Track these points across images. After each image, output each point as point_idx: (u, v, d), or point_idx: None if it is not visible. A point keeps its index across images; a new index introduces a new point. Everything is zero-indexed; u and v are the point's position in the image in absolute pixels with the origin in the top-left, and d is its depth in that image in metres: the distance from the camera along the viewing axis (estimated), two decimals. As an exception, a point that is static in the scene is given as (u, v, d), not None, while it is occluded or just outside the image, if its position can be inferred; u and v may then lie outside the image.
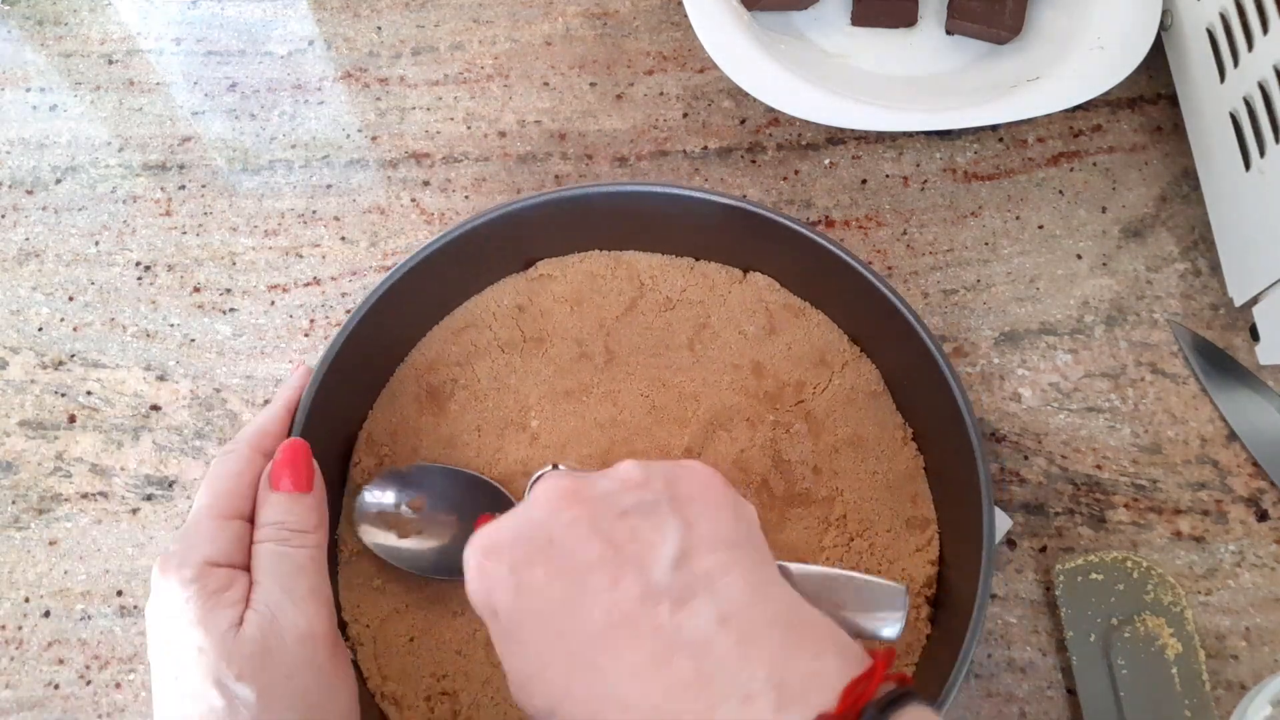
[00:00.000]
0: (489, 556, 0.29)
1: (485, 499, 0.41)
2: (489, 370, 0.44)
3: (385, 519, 0.40)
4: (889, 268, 0.49)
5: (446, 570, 0.39)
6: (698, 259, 0.46)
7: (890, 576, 0.40)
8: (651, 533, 0.27)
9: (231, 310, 0.49)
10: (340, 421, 0.42)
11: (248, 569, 0.33)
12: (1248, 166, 0.44)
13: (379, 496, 0.40)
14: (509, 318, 0.45)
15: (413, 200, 0.52)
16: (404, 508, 0.40)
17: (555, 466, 0.41)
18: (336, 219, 0.51)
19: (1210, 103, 0.47)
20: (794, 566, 0.32)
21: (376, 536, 0.39)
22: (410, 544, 0.40)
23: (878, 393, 0.43)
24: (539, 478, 0.31)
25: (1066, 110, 0.48)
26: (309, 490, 0.35)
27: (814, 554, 0.41)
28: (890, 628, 0.33)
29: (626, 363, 0.44)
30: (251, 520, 0.34)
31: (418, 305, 0.43)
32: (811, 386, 0.43)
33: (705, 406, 0.43)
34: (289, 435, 0.38)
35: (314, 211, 0.52)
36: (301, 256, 0.50)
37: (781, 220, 0.41)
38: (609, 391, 0.44)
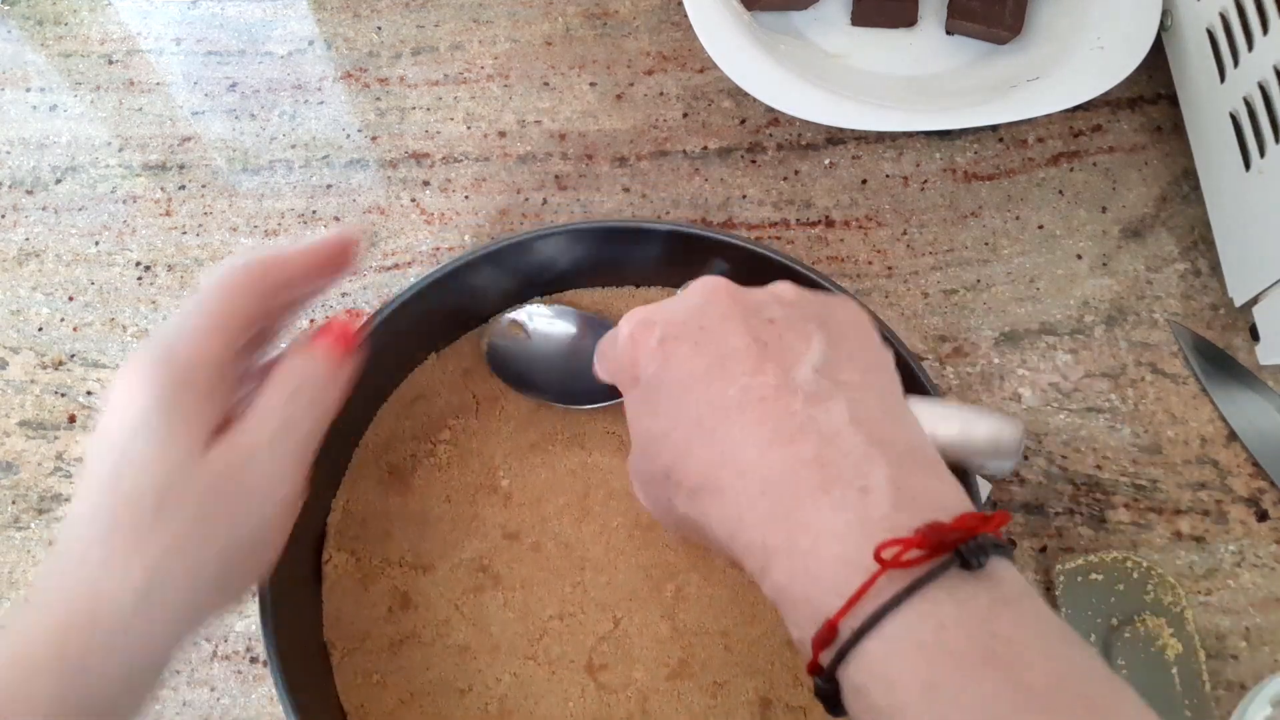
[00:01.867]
0: (643, 327, 0.30)
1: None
2: (448, 438, 0.43)
3: (509, 342, 0.43)
4: (889, 268, 0.49)
5: (566, 398, 0.42)
6: (638, 286, 0.46)
7: None
8: (797, 340, 0.28)
9: (231, 310, 0.49)
10: (306, 516, 0.39)
11: (231, 392, 0.30)
12: (1248, 166, 0.44)
13: (509, 318, 0.44)
14: (457, 383, 0.44)
15: (413, 200, 0.52)
16: (525, 332, 0.44)
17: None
18: (336, 219, 0.51)
19: (1210, 103, 0.47)
20: (911, 398, 0.32)
21: (502, 358, 0.43)
22: (533, 369, 0.43)
23: None
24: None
25: (1066, 110, 0.48)
26: (345, 361, 0.33)
27: None
28: (1001, 465, 0.33)
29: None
30: (252, 343, 0.32)
31: (362, 385, 0.39)
32: None
33: None
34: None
35: (314, 211, 0.52)
36: (301, 256, 0.50)
37: (713, 236, 0.41)
38: (574, 436, 0.43)
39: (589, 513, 0.41)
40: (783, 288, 0.31)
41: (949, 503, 0.25)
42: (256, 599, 0.36)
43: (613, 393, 0.37)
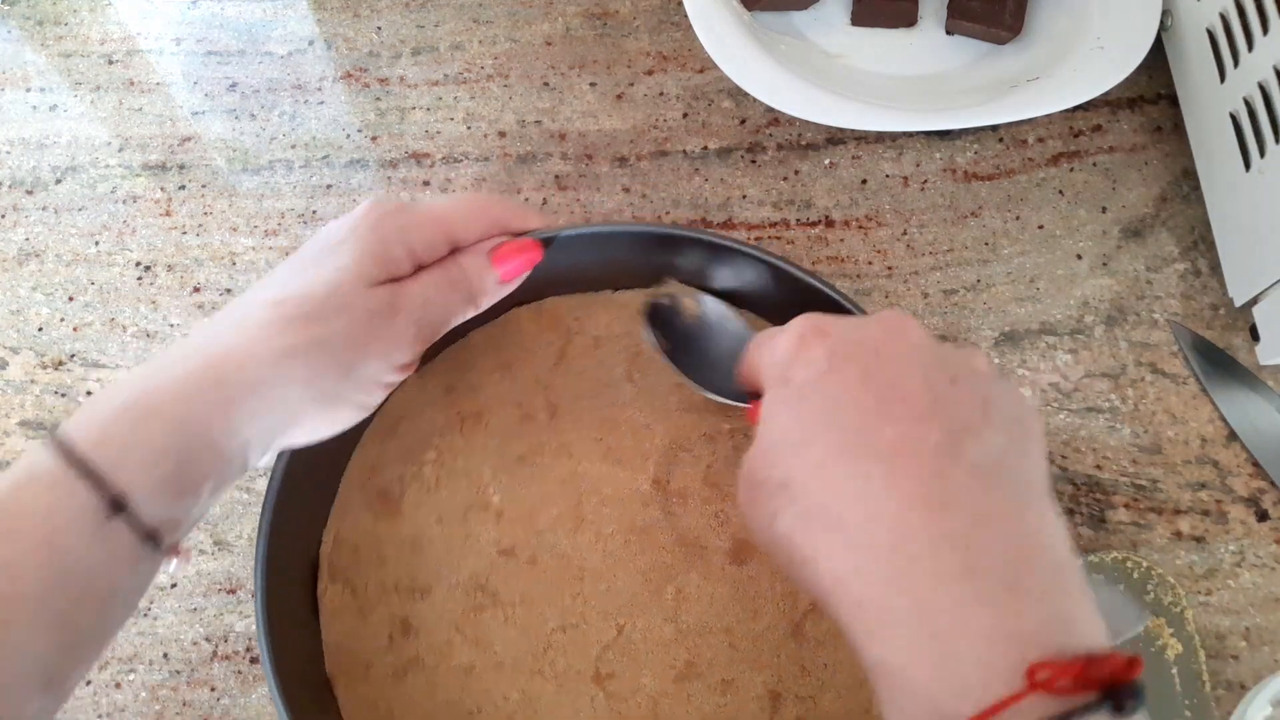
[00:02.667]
0: (816, 334, 0.29)
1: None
2: (434, 458, 0.42)
3: (679, 314, 0.42)
4: (889, 268, 0.49)
5: (718, 390, 0.40)
6: (615, 289, 0.45)
7: None
8: (973, 411, 0.27)
9: (231, 310, 0.49)
10: (300, 545, 0.40)
11: (413, 264, 0.35)
12: (1248, 166, 0.44)
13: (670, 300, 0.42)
14: (439, 402, 0.43)
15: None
16: (698, 306, 0.42)
17: None
18: (336, 219, 0.51)
19: (1210, 103, 0.47)
20: None
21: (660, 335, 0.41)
22: (687, 345, 0.41)
23: None
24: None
25: (1066, 110, 0.48)
26: (506, 283, 0.38)
27: None
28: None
29: (571, 411, 0.43)
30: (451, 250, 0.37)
31: None
32: None
33: (660, 434, 0.42)
34: (266, 536, 0.37)
35: (314, 211, 0.52)
36: (301, 256, 0.50)
37: (685, 234, 0.41)
38: (562, 445, 0.42)
39: (583, 521, 0.41)
40: (977, 355, 0.29)
41: (1098, 638, 0.24)
42: (257, 635, 0.36)
43: (738, 396, 0.36)
